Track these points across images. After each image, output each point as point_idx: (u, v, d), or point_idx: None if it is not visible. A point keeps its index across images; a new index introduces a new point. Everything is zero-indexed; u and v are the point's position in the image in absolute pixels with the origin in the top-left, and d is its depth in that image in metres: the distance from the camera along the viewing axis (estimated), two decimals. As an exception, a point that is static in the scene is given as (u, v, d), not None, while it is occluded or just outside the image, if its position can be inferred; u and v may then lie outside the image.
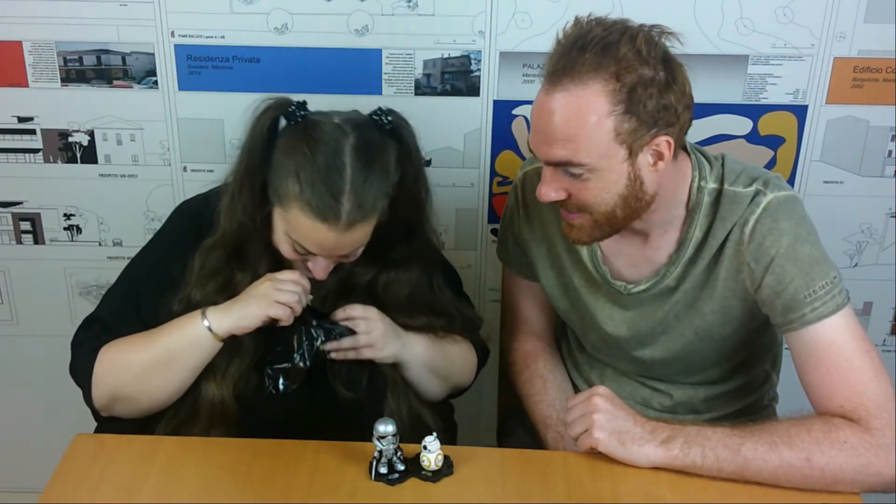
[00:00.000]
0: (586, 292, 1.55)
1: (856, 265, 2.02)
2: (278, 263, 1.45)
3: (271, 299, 1.37)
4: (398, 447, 1.32)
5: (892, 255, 2.01)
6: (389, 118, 1.41)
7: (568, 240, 1.44)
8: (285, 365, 1.42)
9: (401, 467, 1.32)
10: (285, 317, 1.37)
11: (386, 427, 1.29)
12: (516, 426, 1.69)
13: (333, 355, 1.44)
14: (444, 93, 1.88)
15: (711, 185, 1.42)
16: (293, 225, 1.37)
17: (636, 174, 1.32)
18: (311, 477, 1.33)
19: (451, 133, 1.92)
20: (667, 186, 1.38)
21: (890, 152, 1.93)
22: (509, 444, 1.68)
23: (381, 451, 1.31)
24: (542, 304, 1.66)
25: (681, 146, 1.40)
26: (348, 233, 1.35)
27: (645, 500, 1.31)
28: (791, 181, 1.94)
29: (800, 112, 1.89)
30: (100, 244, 2.03)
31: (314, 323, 1.43)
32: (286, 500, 1.29)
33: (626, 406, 1.36)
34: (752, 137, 1.91)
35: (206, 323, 1.39)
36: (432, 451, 1.32)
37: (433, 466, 1.32)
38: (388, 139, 1.40)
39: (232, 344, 1.42)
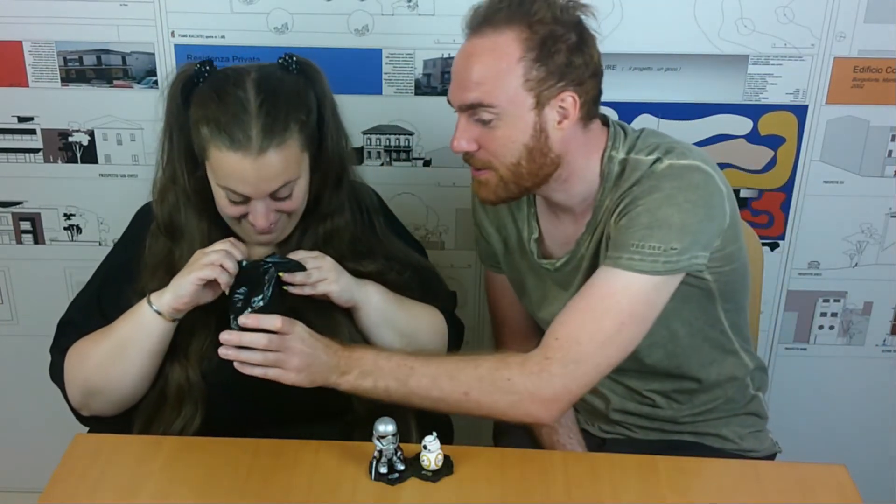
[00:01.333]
0: (530, 278, 1.57)
1: (856, 265, 2.02)
2: (218, 236, 1.46)
3: (200, 263, 1.39)
4: (398, 447, 1.32)
5: (892, 255, 2.01)
6: (295, 59, 1.46)
7: (478, 199, 1.49)
8: (248, 310, 1.39)
9: (401, 467, 1.32)
10: (216, 275, 1.37)
11: (386, 427, 1.29)
12: (512, 425, 1.69)
13: (290, 289, 1.42)
14: (444, 93, 1.87)
15: (621, 155, 1.44)
16: (216, 170, 1.40)
17: (542, 126, 1.38)
18: (311, 477, 1.33)
19: (451, 133, 1.91)
20: (578, 155, 1.42)
21: (890, 152, 1.93)
22: (505, 442, 1.68)
23: (381, 451, 1.31)
24: (516, 299, 1.67)
25: (595, 117, 1.44)
26: (263, 159, 1.36)
27: (645, 500, 1.31)
28: (791, 181, 1.94)
29: (800, 112, 1.89)
30: (100, 244, 2.02)
31: (263, 263, 1.41)
32: (286, 500, 1.29)
33: (318, 337, 1.37)
34: (752, 137, 1.91)
35: (151, 306, 1.41)
36: (432, 451, 1.32)
37: (433, 466, 1.32)
38: (296, 77, 1.45)
39: (189, 325, 1.44)
